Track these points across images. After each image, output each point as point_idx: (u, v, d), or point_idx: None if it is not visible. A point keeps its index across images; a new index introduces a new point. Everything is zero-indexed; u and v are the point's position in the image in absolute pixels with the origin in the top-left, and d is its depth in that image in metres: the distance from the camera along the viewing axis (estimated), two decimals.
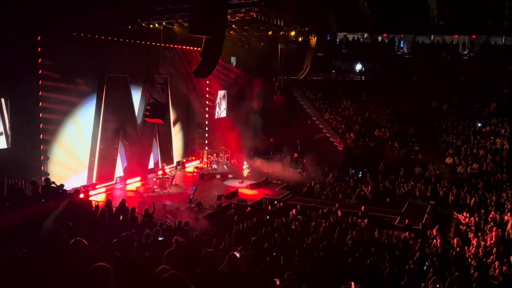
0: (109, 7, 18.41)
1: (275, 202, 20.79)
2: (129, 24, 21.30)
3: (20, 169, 16.09)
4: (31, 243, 5.47)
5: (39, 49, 17.92)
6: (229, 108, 31.09)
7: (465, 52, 34.66)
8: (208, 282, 4.65)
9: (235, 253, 5.96)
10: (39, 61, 18.01)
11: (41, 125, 18.34)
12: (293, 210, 19.16)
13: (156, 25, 22.06)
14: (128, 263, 4.38)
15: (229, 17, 19.63)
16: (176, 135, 27.32)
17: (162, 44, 23.89)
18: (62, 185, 13.26)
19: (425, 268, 13.65)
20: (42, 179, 17.41)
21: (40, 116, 18.24)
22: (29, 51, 17.37)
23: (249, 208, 19.68)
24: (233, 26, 23.49)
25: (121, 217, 10.72)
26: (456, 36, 34.69)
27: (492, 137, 27.76)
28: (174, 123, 26.91)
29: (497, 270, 13.08)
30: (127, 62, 22.29)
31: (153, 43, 23.73)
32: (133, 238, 5.28)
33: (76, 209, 9.43)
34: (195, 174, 25.85)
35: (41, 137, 18.40)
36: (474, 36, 34.40)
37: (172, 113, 26.18)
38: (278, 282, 7.51)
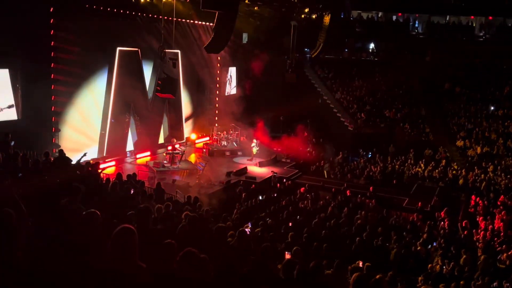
0: None
1: (284, 180, 20.86)
2: None
3: (32, 141, 16.18)
4: (44, 213, 5.54)
5: (52, 20, 17.84)
6: (239, 85, 30.93)
7: (481, 34, 34.07)
8: (220, 256, 4.70)
9: (245, 229, 6.01)
10: (51, 32, 17.95)
11: (53, 97, 18.40)
12: (301, 189, 19.22)
13: None
14: (146, 234, 4.43)
15: None
16: (186, 111, 27.29)
17: (175, 19, 23.69)
18: (61, 150, 13.40)
19: (430, 247, 13.73)
20: (54, 151, 17.61)
21: (52, 88, 18.28)
22: (41, 23, 17.30)
23: (253, 186, 19.74)
24: (246, 1, 23.20)
25: (132, 191, 10.81)
26: (472, 17, 34.08)
27: (506, 121, 27.40)
28: (185, 99, 26.86)
29: (505, 254, 13.10)
30: (139, 36, 22.13)
31: (166, 17, 23.52)
32: (150, 210, 5.34)
33: (91, 181, 9.54)
34: (204, 150, 25.92)
35: (53, 109, 18.49)
36: (490, 18, 33.75)
37: (182, 89, 26.12)
38: (288, 255, 7.56)
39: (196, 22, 25.76)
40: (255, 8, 25.51)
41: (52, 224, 4.95)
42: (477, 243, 14.59)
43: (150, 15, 22.51)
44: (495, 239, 14.58)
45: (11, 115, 16.77)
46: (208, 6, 16.70)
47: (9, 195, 4.72)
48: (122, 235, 3.33)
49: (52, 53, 18.09)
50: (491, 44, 32.62)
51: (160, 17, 23.13)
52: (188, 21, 25.26)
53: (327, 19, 26.58)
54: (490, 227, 15.65)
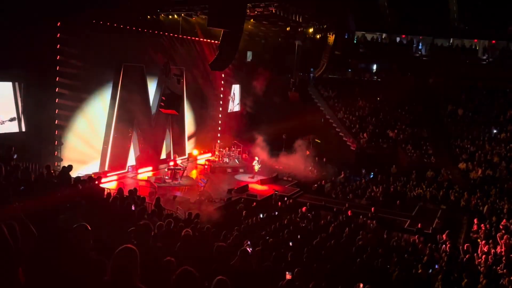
0: None
1: (285, 198, 20.78)
2: (148, 14, 21.35)
3: (34, 154, 16.19)
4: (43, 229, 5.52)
5: (58, 35, 18.04)
6: (242, 103, 31.06)
7: (484, 57, 34.23)
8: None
9: (247, 248, 5.96)
10: (58, 47, 18.13)
11: (56, 110, 18.48)
12: (303, 208, 19.13)
13: (175, 16, 22.09)
14: (145, 252, 4.40)
15: (248, 11, 19.59)
16: (189, 127, 27.35)
17: (180, 36, 23.94)
18: (70, 166, 13.37)
19: (430, 271, 13.58)
20: (56, 164, 17.63)
21: (56, 101, 18.38)
22: (48, 37, 17.47)
23: (254, 203, 19.67)
24: (251, 20, 23.44)
25: (133, 207, 10.78)
26: (475, 40, 34.28)
27: (509, 145, 27.33)
28: (188, 115, 26.95)
29: (507, 279, 12.95)
30: (145, 52, 22.35)
31: (172, 34, 23.78)
32: (150, 227, 5.31)
33: (92, 195, 9.52)
34: (206, 166, 25.90)
35: (56, 123, 18.55)
36: (494, 41, 33.96)
37: (186, 105, 26.24)
38: (289, 276, 7.48)
39: (201, 39, 26.00)
40: (260, 27, 25.75)
41: (51, 239, 4.93)
42: (479, 267, 14.44)
43: (156, 32, 22.74)
44: (498, 263, 14.43)
45: (13, 127, 16.81)
46: (214, 24, 16.85)
47: (17, 215, 4.69)
48: (124, 256, 3.30)
49: (58, 67, 18.25)
50: (494, 67, 32.74)
51: (166, 34, 23.42)
52: (193, 38, 25.50)
53: (331, 39, 26.79)
54: (492, 251, 15.50)
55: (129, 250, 3.35)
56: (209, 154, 28.17)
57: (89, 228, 4.09)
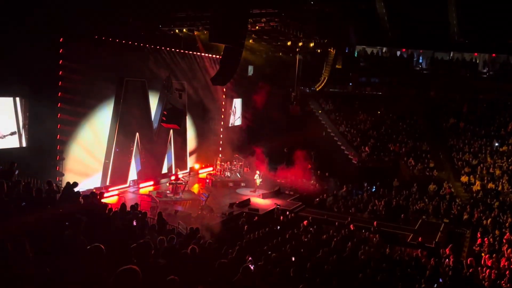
0: (132, 12, 18.64)
1: (287, 212, 20.70)
2: (150, 29, 21.50)
3: (36, 169, 16.17)
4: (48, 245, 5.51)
5: (61, 50, 18.13)
6: (244, 117, 31.13)
7: (485, 70, 34.36)
8: None
9: (249, 265, 5.93)
10: (60, 62, 18.21)
11: (58, 125, 18.50)
12: (304, 222, 19.05)
13: (177, 31, 22.24)
14: (146, 270, 4.37)
15: (249, 26, 19.72)
16: (191, 141, 27.39)
17: (182, 50, 24.08)
18: (76, 183, 13.34)
19: (435, 286, 13.47)
20: (58, 179, 17.62)
21: (58, 116, 18.41)
22: (50, 52, 17.53)
23: (256, 218, 19.59)
24: (253, 35, 23.58)
25: (134, 222, 10.75)
26: (476, 53, 34.44)
27: (511, 158, 27.32)
28: (189, 129, 27.01)
29: None
30: (146, 67, 22.46)
31: (173, 49, 23.93)
32: (150, 245, 5.27)
33: (94, 211, 9.50)
34: (207, 181, 25.86)
35: (58, 138, 18.56)
36: (494, 55, 34.11)
37: (188, 119, 26.31)
38: None
39: (202, 54, 26.15)
40: (261, 42, 25.90)
41: (55, 256, 4.92)
42: (483, 281, 14.34)
43: (158, 46, 22.88)
44: (502, 277, 14.32)
45: (14, 142, 16.84)
46: (216, 39, 16.96)
47: (14, 234, 4.67)
48: (126, 277, 3.26)
49: (60, 82, 18.30)
50: (495, 80, 32.85)
51: (168, 48, 23.57)
52: (195, 52, 25.65)
53: (332, 53, 26.93)
54: (495, 265, 15.39)
55: (131, 271, 3.32)
56: (211, 168, 28.13)
57: (103, 248, 4.06)
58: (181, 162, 26.15)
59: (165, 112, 22.82)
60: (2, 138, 16.49)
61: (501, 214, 22.06)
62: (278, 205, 21.78)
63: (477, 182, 25.87)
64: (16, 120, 16.97)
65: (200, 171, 27.44)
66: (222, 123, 29.83)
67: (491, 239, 18.60)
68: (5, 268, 3.42)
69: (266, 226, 18.30)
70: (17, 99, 16.95)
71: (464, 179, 26.68)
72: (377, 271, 13.56)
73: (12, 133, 16.83)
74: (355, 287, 12.05)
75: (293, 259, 13.79)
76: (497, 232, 19.65)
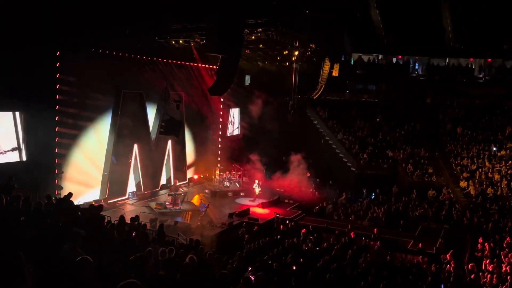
0: (128, 25, 18.72)
1: (287, 221, 20.66)
2: (147, 41, 21.58)
3: (35, 182, 16.13)
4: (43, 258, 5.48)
5: (58, 64, 18.19)
6: (242, 126, 31.18)
7: (481, 76, 34.50)
8: None
9: (250, 275, 5.92)
10: (57, 76, 18.26)
11: (57, 138, 18.51)
12: (303, 230, 19.00)
13: (173, 42, 22.34)
14: (146, 282, 4.36)
15: (245, 36, 19.82)
16: (189, 151, 27.39)
17: (179, 62, 24.17)
18: (70, 194, 13.37)
19: None
20: (56, 192, 17.58)
21: (56, 130, 18.42)
22: (47, 66, 17.61)
23: (256, 227, 19.54)
24: (250, 46, 23.69)
25: (133, 234, 10.71)
26: (471, 59, 34.60)
27: (509, 162, 27.35)
28: (188, 140, 27.02)
29: None
30: (144, 78, 22.53)
31: (170, 60, 24.02)
32: (149, 257, 5.25)
33: (92, 224, 9.47)
34: (206, 191, 25.83)
35: (56, 151, 18.56)
36: (489, 60, 34.27)
37: (186, 130, 26.33)
38: None
39: (199, 64, 26.23)
40: (258, 51, 26.02)
41: (54, 270, 4.90)
42: (484, 287, 14.29)
43: (154, 58, 22.97)
44: (503, 282, 14.27)
45: (14, 157, 16.83)
46: (212, 50, 17.07)
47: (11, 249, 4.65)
48: None
49: (58, 95, 18.33)
50: (491, 85, 32.98)
51: (165, 60, 23.66)
52: (191, 63, 25.75)
53: (327, 61, 27.05)
54: (497, 270, 15.34)
55: (134, 285, 3.31)
56: (210, 178, 28.11)
57: (91, 260, 4.05)
58: (180, 173, 26.13)
59: (162, 123, 22.87)
60: (3, 153, 16.48)
61: (501, 219, 22.03)
62: (278, 214, 21.73)
63: (476, 187, 25.88)
64: (16, 135, 16.97)
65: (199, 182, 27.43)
66: (220, 133, 29.87)
67: (492, 244, 18.55)
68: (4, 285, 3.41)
69: (266, 235, 18.25)
70: (17, 113, 16.96)
71: (463, 184, 26.69)
72: (378, 278, 13.52)
73: (14, 149, 16.82)
74: None
75: (294, 268, 13.75)
76: (497, 236, 19.59)
